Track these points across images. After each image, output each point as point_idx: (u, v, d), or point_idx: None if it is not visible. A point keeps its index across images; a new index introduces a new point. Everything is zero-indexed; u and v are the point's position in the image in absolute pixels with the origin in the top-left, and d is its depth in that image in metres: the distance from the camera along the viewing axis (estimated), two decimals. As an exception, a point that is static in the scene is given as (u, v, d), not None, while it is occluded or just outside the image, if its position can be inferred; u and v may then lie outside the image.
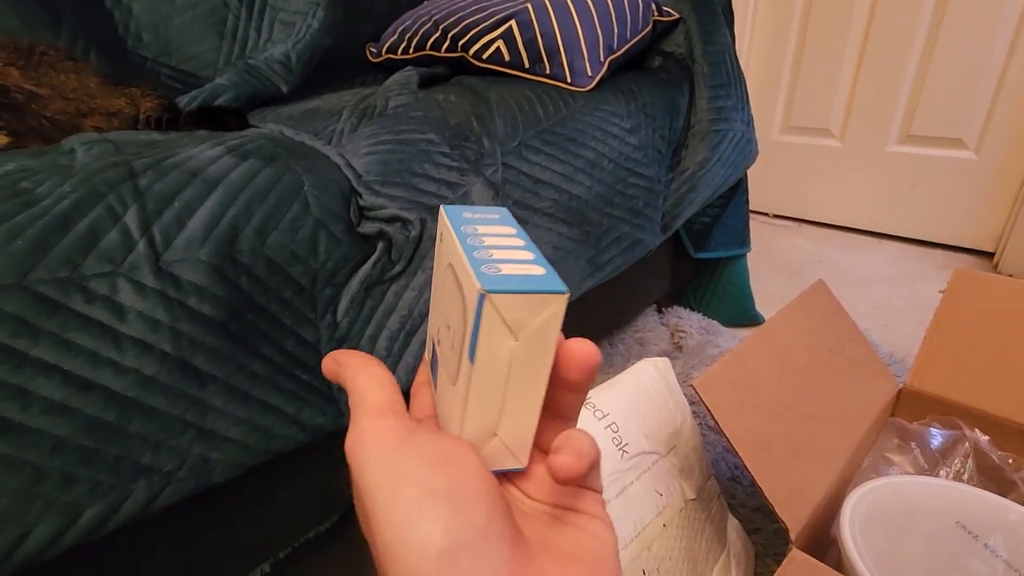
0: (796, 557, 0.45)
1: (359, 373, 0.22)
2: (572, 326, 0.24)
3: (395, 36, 0.94)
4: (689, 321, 1.05)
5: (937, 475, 0.59)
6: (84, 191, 0.37)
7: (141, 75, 0.79)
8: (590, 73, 0.75)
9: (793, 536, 0.47)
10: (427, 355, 0.26)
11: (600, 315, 0.90)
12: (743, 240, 1.04)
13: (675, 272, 1.04)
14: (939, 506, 0.51)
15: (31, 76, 0.59)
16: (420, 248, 0.50)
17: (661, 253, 0.98)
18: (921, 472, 0.59)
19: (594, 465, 0.21)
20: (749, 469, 0.47)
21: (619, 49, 0.79)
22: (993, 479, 0.59)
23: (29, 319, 0.32)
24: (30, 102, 0.57)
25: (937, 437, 0.61)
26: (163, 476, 0.37)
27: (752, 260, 1.44)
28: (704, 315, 1.09)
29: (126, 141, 0.48)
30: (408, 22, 0.93)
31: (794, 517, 0.48)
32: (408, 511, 0.18)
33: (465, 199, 0.54)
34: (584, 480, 0.22)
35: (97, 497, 0.34)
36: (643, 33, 0.83)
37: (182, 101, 0.73)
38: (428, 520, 0.18)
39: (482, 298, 0.18)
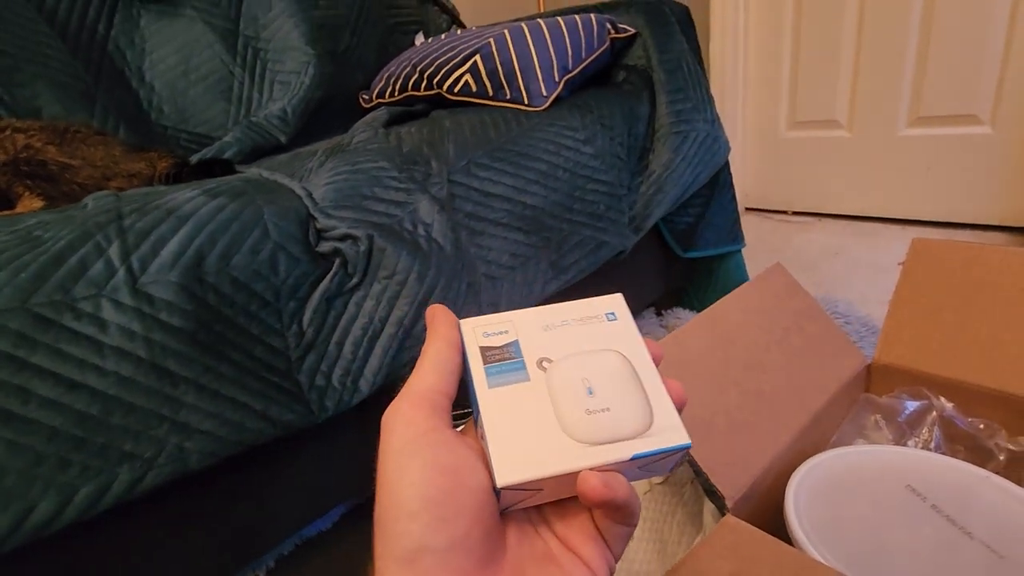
0: (728, 521, 0.46)
1: (431, 345, 0.25)
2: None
3: (382, 82, 1.04)
4: (687, 321, 1.06)
5: (904, 446, 0.58)
6: (78, 232, 0.46)
7: (163, 142, 0.92)
8: (545, 93, 0.81)
9: (730, 504, 0.49)
10: (478, 366, 0.26)
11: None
12: (735, 237, 1.05)
13: (669, 274, 1.06)
14: (889, 472, 0.51)
15: (65, 151, 0.71)
16: (371, 262, 0.57)
17: (650, 255, 1.01)
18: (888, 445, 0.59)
19: (621, 509, 0.23)
20: (681, 441, 0.50)
21: (574, 68, 0.85)
22: (969, 448, 0.57)
23: (28, 333, 0.40)
24: (63, 172, 0.68)
25: (908, 408, 0.61)
26: (144, 462, 0.44)
27: (767, 258, 1.42)
28: (704, 314, 1.10)
29: (130, 194, 0.57)
30: (393, 68, 1.03)
31: (731, 486, 0.49)
32: (399, 505, 0.21)
33: (413, 215, 0.60)
34: (608, 529, 0.24)
35: (88, 478, 0.42)
36: (599, 51, 0.88)
37: (194, 159, 0.84)
38: (411, 520, 0.21)
39: (687, 448, 0.24)
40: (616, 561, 0.25)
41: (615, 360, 0.26)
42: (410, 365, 0.32)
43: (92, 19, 0.88)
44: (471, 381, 0.25)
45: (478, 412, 0.25)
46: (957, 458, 0.55)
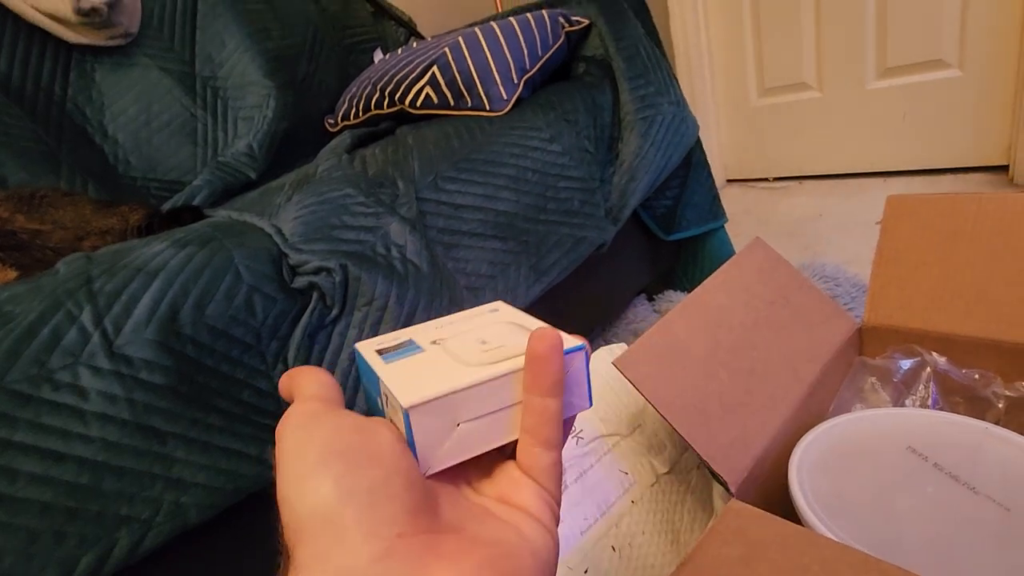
0: (733, 506, 0.46)
1: (302, 377, 0.24)
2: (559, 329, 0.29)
3: (346, 105, 1.04)
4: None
5: (903, 405, 0.58)
6: (48, 303, 0.46)
7: (135, 194, 0.91)
8: (505, 96, 0.80)
9: (733, 488, 0.48)
10: (373, 354, 0.28)
11: (582, 316, 0.93)
12: (715, 214, 1.05)
13: (655, 259, 1.06)
14: (888, 435, 0.51)
15: (34, 217, 0.71)
16: (348, 291, 0.57)
17: (633, 244, 1.00)
18: (887, 406, 0.59)
19: (555, 385, 0.23)
20: (678, 430, 0.49)
21: (532, 67, 0.84)
22: (967, 399, 0.57)
23: (7, 411, 0.40)
24: (34, 239, 0.68)
25: (902, 367, 0.60)
26: (142, 523, 0.44)
27: (751, 228, 1.43)
28: (696, 294, 1.10)
29: (100, 255, 0.57)
30: (354, 89, 1.02)
31: (732, 469, 0.49)
32: (306, 466, 0.19)
33: (385, 238, 0.60)
34: (533, 465, 0.24)
35: (87, 548, 0.41)
36: (555, 47, 0.88)
37: (165, 207, 0.84)
38: (321, 473, 0.19)
39: (582, 349, 0.25)
40: (558, 503, 0.24)
41: (504, 322, 0.29)
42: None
43: (47, 81, 0.88)
44: (371, 382, 0.26)
45: (379, 386, 0.25)
46: (956, 411, 0.55)
